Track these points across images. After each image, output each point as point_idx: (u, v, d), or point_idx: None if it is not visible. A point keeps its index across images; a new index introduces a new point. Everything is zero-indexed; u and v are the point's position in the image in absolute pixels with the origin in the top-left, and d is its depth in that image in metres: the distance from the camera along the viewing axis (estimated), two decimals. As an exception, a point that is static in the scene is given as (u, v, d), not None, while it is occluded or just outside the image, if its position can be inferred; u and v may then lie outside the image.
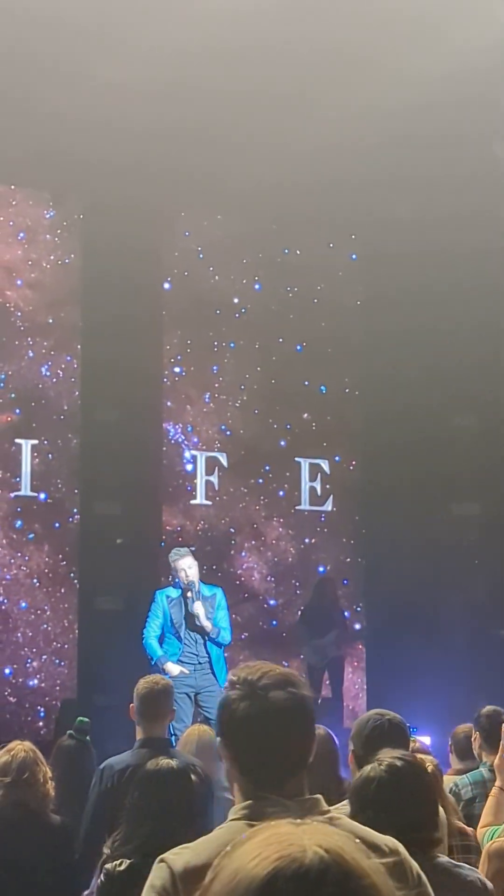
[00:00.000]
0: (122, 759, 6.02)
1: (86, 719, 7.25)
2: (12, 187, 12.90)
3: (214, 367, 13.73)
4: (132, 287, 12.54)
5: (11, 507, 12.56)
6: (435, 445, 13.45)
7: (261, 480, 13.72)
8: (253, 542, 13.78)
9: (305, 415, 14.04)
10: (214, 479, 13.45)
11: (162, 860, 2.53)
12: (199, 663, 10.09)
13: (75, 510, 12.73)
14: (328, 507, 14.03)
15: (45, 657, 12.46)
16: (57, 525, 12.70)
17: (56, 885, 5.38)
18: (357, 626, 14.00)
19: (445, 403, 13.47)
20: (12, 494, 12.52)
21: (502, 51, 11.00)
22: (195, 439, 13.53)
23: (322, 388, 14.22)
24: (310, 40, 10.77)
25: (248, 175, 12.63)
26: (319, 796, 2.63)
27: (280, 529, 13.93)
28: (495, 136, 12.60)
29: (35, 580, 12.55)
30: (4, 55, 10.67)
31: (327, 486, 14.06)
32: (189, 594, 10.16)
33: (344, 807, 3.69)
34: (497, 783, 5.33)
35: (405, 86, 10.78)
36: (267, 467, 13.80)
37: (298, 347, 14.06)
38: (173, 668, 9.93)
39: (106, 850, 4.53)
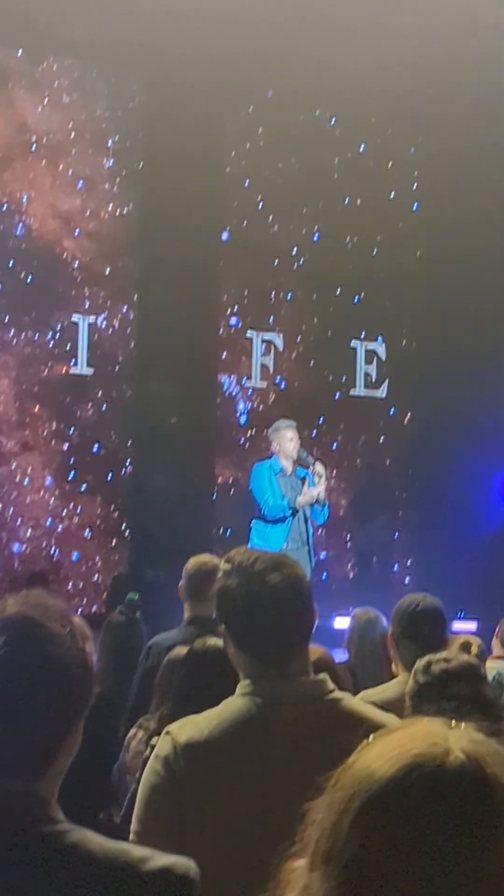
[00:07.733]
0: (169, 636, 6.04)
1: (136, 595, 7.12)
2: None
3: (271, 318, 13.66)
4: (190, 237, 12.43)
5: (65, 458, 12.66)
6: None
7: (315, 433, 13.67)
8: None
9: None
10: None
11: (167, 732, 2.70)
12: (302, 542, 9.72)
13: (128, 461, 12.80)
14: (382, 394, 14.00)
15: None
16: (110, 477, 12.79)
17: (94, 758, 5.36)
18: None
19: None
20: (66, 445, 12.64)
21: None
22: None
23: (379, 338, 14.09)
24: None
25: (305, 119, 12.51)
26: (325, 675, 2.74)
27: (331, 482, 13.89)
28: None
29: (87, 532, 12.69)
30: None
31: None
32: (300, 462, 9.89)
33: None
34: None
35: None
36: (321, 419, 13.75)
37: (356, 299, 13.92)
38: (312, 490, 9.70)
39: (152, 724, 4.61)
